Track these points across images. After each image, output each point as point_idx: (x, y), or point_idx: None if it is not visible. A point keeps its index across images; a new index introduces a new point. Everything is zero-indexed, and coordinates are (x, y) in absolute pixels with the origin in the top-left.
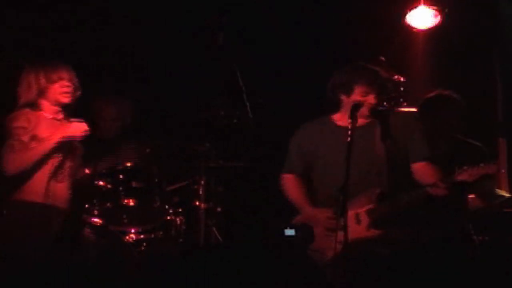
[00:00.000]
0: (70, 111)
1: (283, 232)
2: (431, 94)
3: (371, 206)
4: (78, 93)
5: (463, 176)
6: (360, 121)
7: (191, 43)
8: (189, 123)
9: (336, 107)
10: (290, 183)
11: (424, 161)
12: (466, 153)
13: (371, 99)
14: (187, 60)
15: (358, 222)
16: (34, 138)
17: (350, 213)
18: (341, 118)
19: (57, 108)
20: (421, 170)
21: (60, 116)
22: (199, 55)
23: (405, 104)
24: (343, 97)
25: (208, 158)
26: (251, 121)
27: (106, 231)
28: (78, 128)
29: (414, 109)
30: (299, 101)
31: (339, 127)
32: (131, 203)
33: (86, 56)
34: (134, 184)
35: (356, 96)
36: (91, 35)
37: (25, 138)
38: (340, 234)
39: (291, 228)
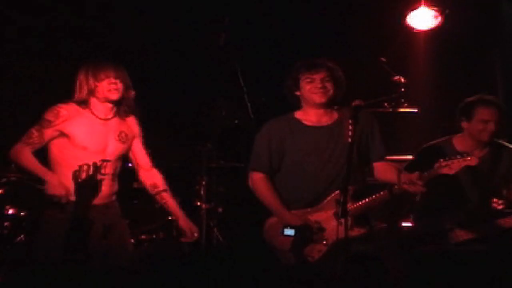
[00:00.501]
0: (128, 109)
1: (283, 231)
2: (472, 98)
3: (349, 205)
4: (131, 92)
5: (444, 170)
6: (327, 120)
7: (192, 44)
8: (190, 124)
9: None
10: (261, 183)
11: (384, 160)
12: (502, 156)
13: (317, 83)
14: (189, 61)
15: (340, 222)
16: (60, 133)
17: (328, 213)
18: (305, 117)
19: (107, 106)
20: (383, 168)
21: (110, 115)
22: (201, 56)
23: (405, 104)
24: (298, 94)
25: (209, 159)
26: (252, 121)
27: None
28: (56, 188)
29: (414, 110)
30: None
31: (308, 127)
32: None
33: (88, 56)
34: (135, 185)
35: (304, 85)
36: (93, 35)
37: (49, 132)
38: (327, 235)
39: (291, 228)
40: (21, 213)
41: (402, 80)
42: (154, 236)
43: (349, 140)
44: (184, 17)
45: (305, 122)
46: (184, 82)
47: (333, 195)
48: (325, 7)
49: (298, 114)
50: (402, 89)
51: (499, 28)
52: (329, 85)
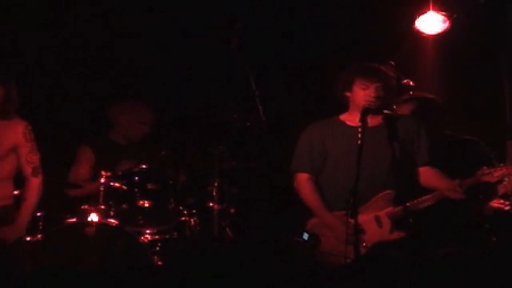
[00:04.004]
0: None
1: (302, 236)
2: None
3: (390, 208)
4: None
5: (486, 177)
6: (372, 122)
7: (205, 48)
8: (203, 126)
9: (344, 107)
10: (305, 184)
11: (428, 165)
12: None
13: (371, 91)
14: (201, 64)
15: (379, 225)
16: None
17: (369, 216)
18: (350, 118)
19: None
20: (427, 173)
21: None
22: (213, 60)
23: None
24: (348, 95)
25: (221, 160)
26: (264, 124)
27: (122, 232)
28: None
29: None
30: (311, 103)
31: (351, 127)
32: (146, 205)
33: (104, 60)
34: (149, 186)
35: (358, 90)
36: (108, 40)
37: None
38: (367, 238)
39: (307, 233)
40: (37, 214)
41: (411, 83)
42: (167, 236)
43: (359, 142)
44: (196, 21)
45: (349, 123)
46: (196, 85)
47: (377, 197)
48: (335, 11)
49: (342, 117)
50: (411, 92)
51: (505, 32)
52: (381, 94)
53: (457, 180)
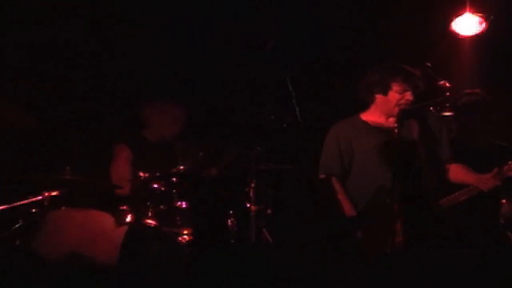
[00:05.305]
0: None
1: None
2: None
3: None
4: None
5: None
6: (392, 121)
7: (242, 49)
8: (240, 128)
9: (365, 106)
10: (336, 186)
11: (454, 162)
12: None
13: (408, 95)
14: (238, 66)
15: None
16: None
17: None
18: (373, 118)
19: None
20: (455, 169)
21: None
22: (250, 61)
23: (450, 108)
24: (379, 96)
25: (258, 161)
26: (301, 125)
27: (160, 232)
28: None
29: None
30: (347, 105)
31: (374, 127)
32: (184, 205)
33: (141, 61)
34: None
35: (394, 93)
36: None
37: None
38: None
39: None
40: None
41: (447, 84)
42: None
43: (395, 143)
44: (234, 24)
45: (371, 123)
46: (233, 87)
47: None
48: (370, 13)
49: (364, 116)
50: (447, 94)
51: None
52: (413, 98)
53: (490, 174)
